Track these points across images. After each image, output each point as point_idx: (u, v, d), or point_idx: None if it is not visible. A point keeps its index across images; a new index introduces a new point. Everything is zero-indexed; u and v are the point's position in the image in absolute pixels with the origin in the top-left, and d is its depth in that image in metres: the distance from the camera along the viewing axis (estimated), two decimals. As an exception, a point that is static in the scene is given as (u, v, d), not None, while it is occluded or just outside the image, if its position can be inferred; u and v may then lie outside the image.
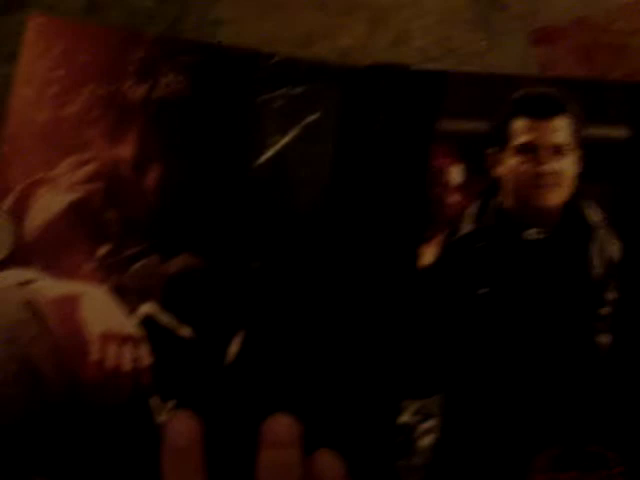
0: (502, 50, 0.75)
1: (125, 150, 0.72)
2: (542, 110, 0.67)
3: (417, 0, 0.74)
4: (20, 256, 0.70)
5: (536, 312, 0.66)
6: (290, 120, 0.72)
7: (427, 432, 0.68)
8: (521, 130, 0.67)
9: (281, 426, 0.40)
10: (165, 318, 0.69)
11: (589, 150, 0.66)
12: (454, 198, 0.68)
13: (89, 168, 0.71)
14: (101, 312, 0.68)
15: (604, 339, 0.65)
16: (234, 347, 0.69)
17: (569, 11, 0.76)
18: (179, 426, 0.40)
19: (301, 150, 0.72)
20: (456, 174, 0.68)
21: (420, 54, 0.76)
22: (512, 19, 0.76)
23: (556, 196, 0.66)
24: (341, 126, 0.71)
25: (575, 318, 0.65)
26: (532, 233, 0.66)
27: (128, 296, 0.70)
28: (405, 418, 0.68)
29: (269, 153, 0.72)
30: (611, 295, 0.64)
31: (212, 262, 0.70)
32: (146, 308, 0.70)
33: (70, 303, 0.69)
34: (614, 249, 0.65)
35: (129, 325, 0.69)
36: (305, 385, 0.67)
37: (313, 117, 0.72)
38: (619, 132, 0.66)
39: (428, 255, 0.68)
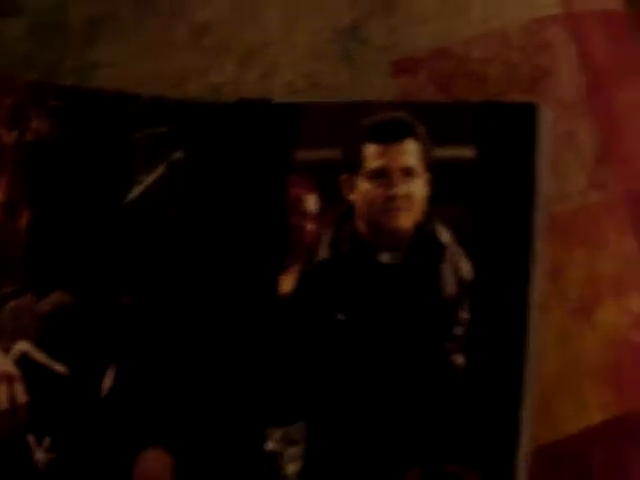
0: (365, 82, 0.72)
1: (-2, 194, 0.62)
2: (391, 134, 0.63)
3: (285, 37, 0.71)
4: None
5: (392, 334, 0.62)
6: (156, 158, 0.68)
7: (292, 459, 0.63)
8: (372, 155, 0.63)
9: (152, 461, 0.33)
10: (39, 356, 0.65)
11: (438, 172, 0.62)
12: (311, 226, 0.64)
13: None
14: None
15: (458, 359, 0.61)
16: (107, 381, 0.64)
17: (428, 42, 0.72)
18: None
19: (168, 187, 0.68)
20: (312, 202, 0.65)
21: (287, 88, 0.72)
22: (373, 51, 0.73)
23: (407, 219, 0.62)
24: (205, 162, 0.67)
25: (429, 339, 0.61)
26: (385, 257, 0.61)
27: (3, 335, 0.65)
28: (271, 445, 0.63)
29: (137, 191, 0.68)
30: (463, 314, 0.60)
31: (83, 299, 0.66)
32: (21, 346, 0.65)
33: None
34: (465, 269, 0.61)
35: (4, 363, 0.64)
36: (174, 416, 0.64)
37: (178, 155, 0.68)
38: (467, 152, 0.62)
39: (287, 283, 0.64)
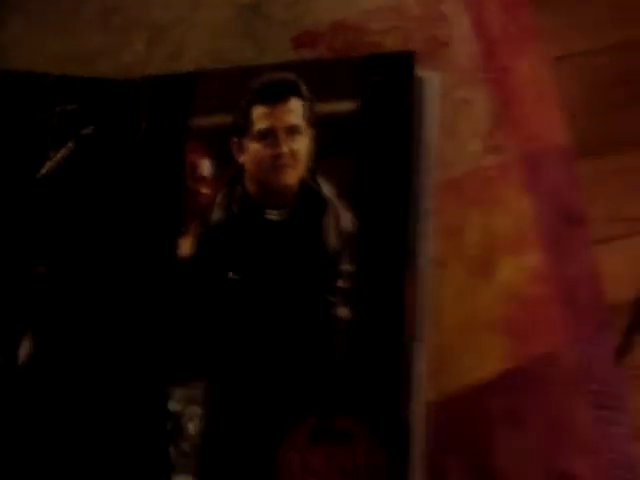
0: (268, 56, 0.68)
1: None
2: (276, 95, 0.60)
3: (191, 16, 0.69)
4: None
5: (280, 290, 0.59)
6: (67, 134, 0.65)
7: (193, 418, 0.59)
8: (259, 117, 0.60)
9: None
10: None
11: (322, 127, 0.59)
12: (206, 190, 0.61)
13: None
14: None
15: (343, 312, 0.57)
16: (24, 350, 0.60)
17: (328, 15, 0.69)
18: None
19: (77, 161, 0.64)
20: (206, 167, 0.62)
21: (195, 65, 0.68)
22: (275, 26, 0.70)
23: (293, 175, 0.59)
24: (111, 136, 0.64)
25: (313, 292, 0.58)
26: (273, 214, 0.59)
27: None
28: (172, 405, 0.59)
29: (48, 165, 0.64)
30: (346, 267, 0.57)
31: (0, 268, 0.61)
32: None
33: None
34: (347, 221, 0.57)
35: None
36: (84, 380, 0.60)
37: (87, 130, 0.64)
38: (348, 106, 0.60)
39: (185, 246, 0.61)
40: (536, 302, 0.65)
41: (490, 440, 0.63)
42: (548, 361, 0.64)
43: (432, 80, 0.59)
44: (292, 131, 0.58)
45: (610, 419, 0.66)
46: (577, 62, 1.50)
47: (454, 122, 0.66)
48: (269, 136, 0.57)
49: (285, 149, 0.57)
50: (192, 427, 0.57)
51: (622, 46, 1.51)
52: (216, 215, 0.58)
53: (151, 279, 0.59)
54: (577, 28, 1.51)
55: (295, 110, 0.57)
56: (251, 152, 0.58)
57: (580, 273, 0.67)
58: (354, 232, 0.55)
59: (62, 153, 0.63)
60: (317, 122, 0.58)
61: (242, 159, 0.58)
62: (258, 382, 0.55)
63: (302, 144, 0.57)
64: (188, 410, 0.57)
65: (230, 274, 0.57)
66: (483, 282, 0.64)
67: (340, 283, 0.55)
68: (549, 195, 0.67)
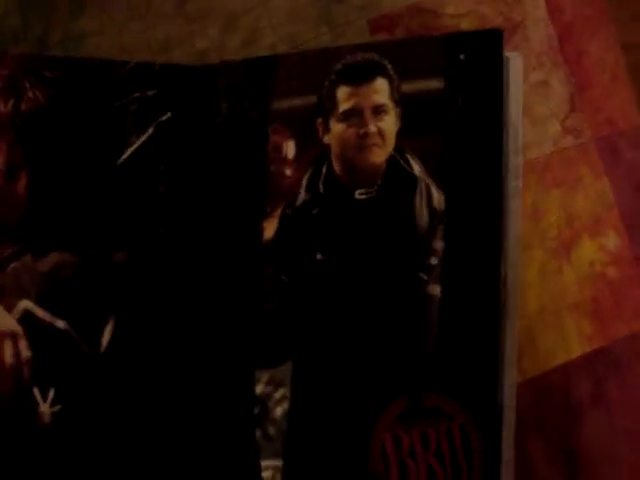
0: (345, 40, 0.66)
1: (-4, 161, 0.61)
2: (360, 75, 0.58)
3: (265, 1, 0.66)
4: None
5: (370, 269, 0.56)
6: (146, 121, 0.62)
7: (280, 401, 0.57)
8: (344, 97, 0.58)
9: None
10: (41, 313, 0.59)
11: (409, 106, 0.57)
12: (290, 171, 0.59)
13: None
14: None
15: (435, 289, 0.55)
16: (106, 336, 0.58)
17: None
18: None
19: (157, 146, 0.62)
20: (290, 149, 0.59)
21: (270, 51, 0.67)
22: (352, 10, 0.68)
23: (380, 154, 0.57)
24: (190, 121, 0.62)
25: (405, 270, 0.56)
26: (361, 193, 0.56)
27: (6, 295, 0.59)
28: (259, 389, 0.57)
29: (129, 152, 0.62)
30: (438, 244, 0.55)
31: (80, 257, 0.60)
32: (23, 304, 0.59)
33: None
34: (437, 199, 0.56)
35: (9, 321, 0.58)
36: (168, 366, 0.58)
37: (165, 117, 0.62)
38: (435, 84, 0.57)
39: (270, 229, 0.59)
40: (618, 283, 0.62)
41: (575, 423, 0.60)
42: (632, 342, 0.61)
43: (517, 60, 0.56)
44: (378, 110, 0.56)
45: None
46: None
47: (532, 104, 0.64)
48: (355, 116, 0.56)
49: (372, 128, 0.55)
50: (279, 410, 0.55)
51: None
52: (302, 197, 0.56)
53: (236, 263, 0.56)
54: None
55: (381, 89, 0.55)
56: (337, 132, 0.56)
57: (660, 255, 0.65)
58: (445, 210, 0.52)
59: (142, 139, 0.61)
60: (403, 101, 0.55)
61: (327, 139, 0.56)
62: (347, 363, 0.53)
63: (389, 123, 0.55)
64: (276, 393, 0.54)
65: (318, 255, 0.54)
66: (565, 263, 0.62)
67: (432, 261, 0.52)
68: (627, 176, 0.65)
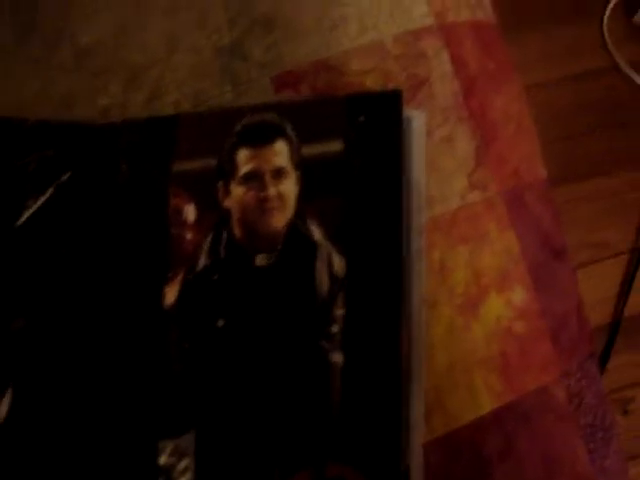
0: (248, 98, 0.64)
1: None
2: (260, 137, 0.57)
3: (168, 57, 0.63)
4: None
5: (270, 337, 0.54)
6: (45, 181, 0.60)
7: (184, 472, 0.54)
8: (244, 160, 0.57)
9: None
10: None
11: (308, 169, 0.55)
12: (191, 235, 0.56)
13: None
14: None
15: (336, 357, 0.53)
16: (3, 408, 0.55)
17: (308, 56, 0.65)
18: None
19: (56, 209, 0.60)
20: (191, 212, 0.57)
21: (174, 108, 0.64)
22: (255, 68, 0.66)
23: (280, 218, 0.55)
24: (90, 181, 0.60)
25: (306, 339, 0.54)
26: (261, 259, 0.55)
27: None
28: (163, 460, 0.54)
29: (27, 214, 0.59)
30: (339, 312, 0.54)
31: None
32: None
33: None
34: (337, 264, 0.54)
35: None
36: (71, 436, 0.54)
37: (65, 177, 0.60)
38: (334, 146, 0.56)
39: (171, 294, 0.56)
40: (525, 338, 0.61)
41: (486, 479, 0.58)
42: (540, 397, 0.60)
43: (419, 119, 0.55)
44: (279, 174, 0.54)
45: (604, 453, 0.63)
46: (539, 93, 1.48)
47: (437, 160, 0.63)
48: (255, 179, 0.53)
49: (272, 192, 0.53)
50: None
51: (577, 77, 1.50)
52: (202, 262, 0.54)
53: (137, 330, 0.54)
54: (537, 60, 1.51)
55: (281, 152, 0.53)
56: (237, 196, 0.54)
57: (567, 306, 0.65)
58: (345, 276, 0.51)
59: (41, 201, 0.58)
60: (303, 164, 0.53)
61: (228, 203, 0.54)
62: (250, 432, 0.51)
63: (289, 186, 0.53)
64: (180, 464, 0.52)
65: (219, 322, 0.52)
66: (472, 319, 0.60)
67: (333, 328, 0.50)
68: (533, 230, 0.64)
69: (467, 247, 0.62)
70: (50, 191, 0.58)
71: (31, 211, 0.58)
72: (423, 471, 0.53)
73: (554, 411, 0.61)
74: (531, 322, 0.61)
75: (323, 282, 0.51)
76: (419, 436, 0.53)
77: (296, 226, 0.53)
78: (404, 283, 0.52)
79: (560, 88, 1.43)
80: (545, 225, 0.66)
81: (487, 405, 0.60)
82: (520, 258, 0.63)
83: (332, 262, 0.52)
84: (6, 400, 0.55)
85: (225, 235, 0.54)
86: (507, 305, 0.61)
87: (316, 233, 0.52)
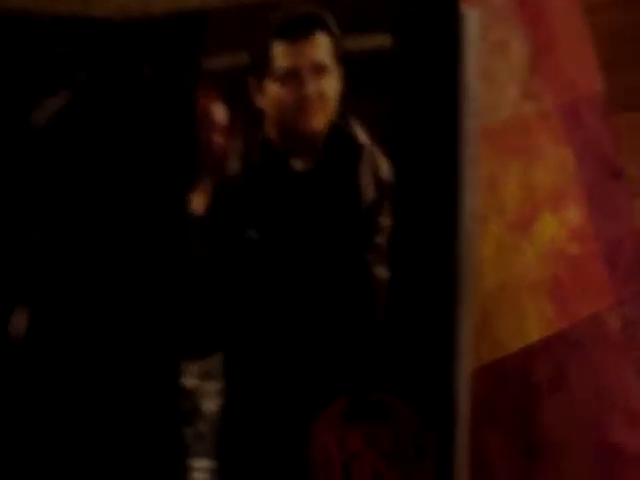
0: None
1: None
2: (299, 30, 0.50)
3: None
4: None
5: (309, 249, 0.48)
6: (60, 80, 0.53)
7: (210, 395, 0.49)
8: (280, 54, 0.50)
9: None
10: None
11: (352, 65, 0.49)
12: (220, 139, 0.51)
13: None
14: None
15: (381, 272, 0.47)
16: (19, 322, 0.50)
17: None
18: None
19: (76, 110, 0.53)
20: (220, 113, 0.51)
21: (200, 3, 0.54)
22: None
23: (320, 119, 0.49)
24: (111, 81, 0.53)
25: (348, 251, 0.48)
26: (298, 163, 0.49)
27: None
28: (187, 382, 0.49)
29: (43, 115, 0.53)
30: (385, 221, 0.48)
31: None
32: None
33: None
34: (385, 170, 0.48)
35: None
36: (89, 354, 0.49)
37: (82, 76, 0.53)
38: (382, 41, 0.49)
39: (198, 202, 0.50)
40: (579, 261, 0.55)
41: (533, 412, 0.54)
42: (594, 325, 0.55)
43: (473, 18, 0.48)
44: (318, 70, 0.47)
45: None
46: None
47: (490, 65, 0.56)
48: (292, 76, 0.47)
49: (311, 89, 0.46)
50: (210, 406, 0.47)
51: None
52: (232, 167, 0.48)
53: (161, 241, 0.48)
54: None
55: (321, 46, 0.47)
56: (272, 94, 0.47)
57: (624, 230, 0.59)
58: (393, 182, 0.44)
59: (58, 101, 0.52)
60: (346, 59, 0.46)
61: (261, 102, 0.47)
62: (285, 354, 0.45)
63: (330, 83, 0.47)
64: (205, 386, 0.46)
65: (250, 233, 0.46)
66: (523, 239, 0.55)
67: (378, 239, 0.44)
68: (589, 146, 0.58)
69: (519, 161, 0.56)
70: (67, 92, 0.52)
71: (48, 113, 0.52)
72: (469, 401, 0.47)
73: (607, 341, 0.56)
74: (586, 244, 0.56)
75: (368, 188, 0.45)
76: (467, 363, 0.47)
77: (338, 127, 0.47)
78: (457, 192, 0.45)
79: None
80: (602, 143, 0.60)
81: (537, 332, 0.55)
82: (576, 176, 0.57)
83: (378, 167, 0.46)
84: (24, 315, 0.49)
85: (258, 137, 0.47)
86: (561, 225, 0.56)
87: (361, 135, 0.46)
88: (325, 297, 0.46)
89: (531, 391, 0.55)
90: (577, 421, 0.55)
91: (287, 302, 0.46)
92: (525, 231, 0.55)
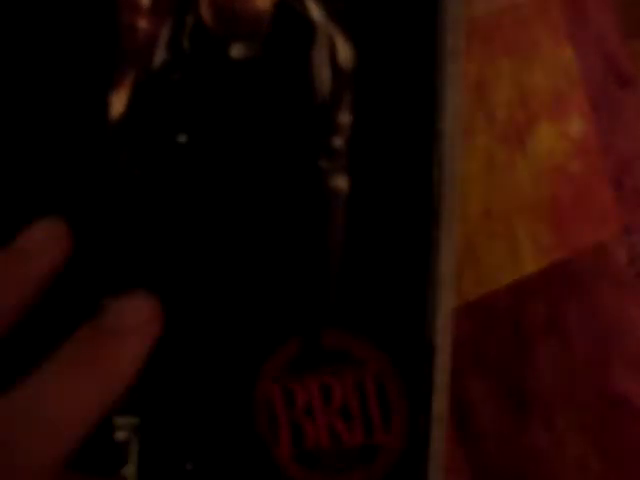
0: None
1: None
2: None
3: None
4: None
5: (252, 155, 0.39)
6: None
7: None
8: None
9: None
10: None
11: None
12: (144, 23, 0.41)
13: None
14: None
15: (339, 182, 0.38)
16: None
17: None
18: None
19: None
20: None
21: None
22: None
23: None
24: None
25: (299, 156, 0.39)
26: (239, 49, 0.39)
27: None
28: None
29: None
30: (344, 118, 0.38)
31: None
32: None
33: None
34: (344, 54, 0.37)
35: None
36: None
37: None
38: None
39: (119, 102, 0.41)
40: (581, 180, 0.46)
41: (526, 357, 0.47)
42: (597, 256, 0.46)
43: None
44: None
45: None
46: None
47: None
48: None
49: (253, -43, 0.35)
50: None
51: None
52: (160, 56, 0.37)
53: (77, 150, 0.37)
54: None
55: None
56: (206, -35, 0.36)
57: (633, 147, 0.49)
58: (354, 69, 0.34)
59: None
60: None
61: (193, -24, 0.37)
62: (226, 289, 0.36)
63: (277, -52, 0.35)
64: None
65: (181, 137, 0.36)
66: (517, 154, 0.46)
67: (335, 142, 0.34)
68: (595, 47, 0.49)
69: (512, 60, 0.47)
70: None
71: None
72: (451, 343, 0.38)
73: (612, 275, 0.47)
74: (590, 161, 0.47)
75: (323, 77, 0.35)
76: (448, 299, 0.38)
77: (286, 3, 0.36)
78: (436, 88, 0.35)
79: None
80: (611, 44, 0.50)
81: (531, 263, 0.47)
82: (578, 80, 0.48)
83: (336, 50, 0.35)
84: None
85: (190, 19, 0.37)
86: (561, 137, 0.47)
87: (314, 12, 0.36)
88: (271, 215, 0.36)
89: (523, 333, 0.47)
90: (575, 368, 0.48)
91: (225, 222, 0.37)
92: (519, 143, 0.46)
